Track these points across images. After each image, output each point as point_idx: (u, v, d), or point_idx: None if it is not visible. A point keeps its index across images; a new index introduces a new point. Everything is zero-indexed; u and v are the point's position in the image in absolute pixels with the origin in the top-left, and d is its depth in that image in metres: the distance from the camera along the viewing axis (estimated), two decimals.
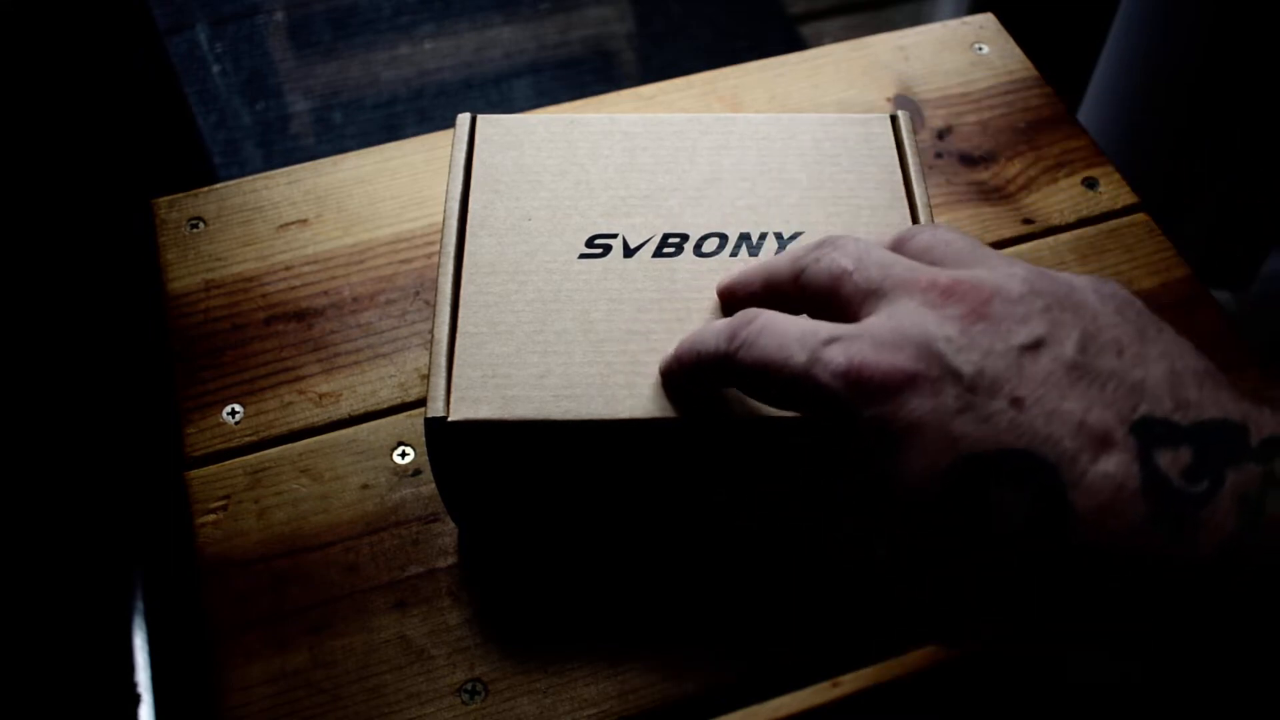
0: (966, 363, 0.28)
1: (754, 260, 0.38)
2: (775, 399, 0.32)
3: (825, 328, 0.30)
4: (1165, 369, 0.28)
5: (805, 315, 0.32)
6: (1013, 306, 0.29)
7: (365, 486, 0.43)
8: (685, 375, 0.35)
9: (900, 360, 0.28)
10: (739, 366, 0.32)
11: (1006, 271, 0.30)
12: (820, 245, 0.33)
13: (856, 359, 0.29)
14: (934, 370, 0.28)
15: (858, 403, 0.28)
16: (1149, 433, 0.27)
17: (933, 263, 0.32)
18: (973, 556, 0.28)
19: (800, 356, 0.30)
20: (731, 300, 0.37)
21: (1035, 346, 0.28)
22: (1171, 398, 0.27)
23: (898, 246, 0.34)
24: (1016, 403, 0.27)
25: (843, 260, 0.32)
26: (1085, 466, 0.26)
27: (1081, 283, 0.30)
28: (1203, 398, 0.27)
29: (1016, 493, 0.27)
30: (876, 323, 0.30)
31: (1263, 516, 0.25)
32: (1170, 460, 0.26)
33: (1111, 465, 0.26)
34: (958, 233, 0.33)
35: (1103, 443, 0.27)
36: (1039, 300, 0.29)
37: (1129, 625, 0.27)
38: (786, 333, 0.31)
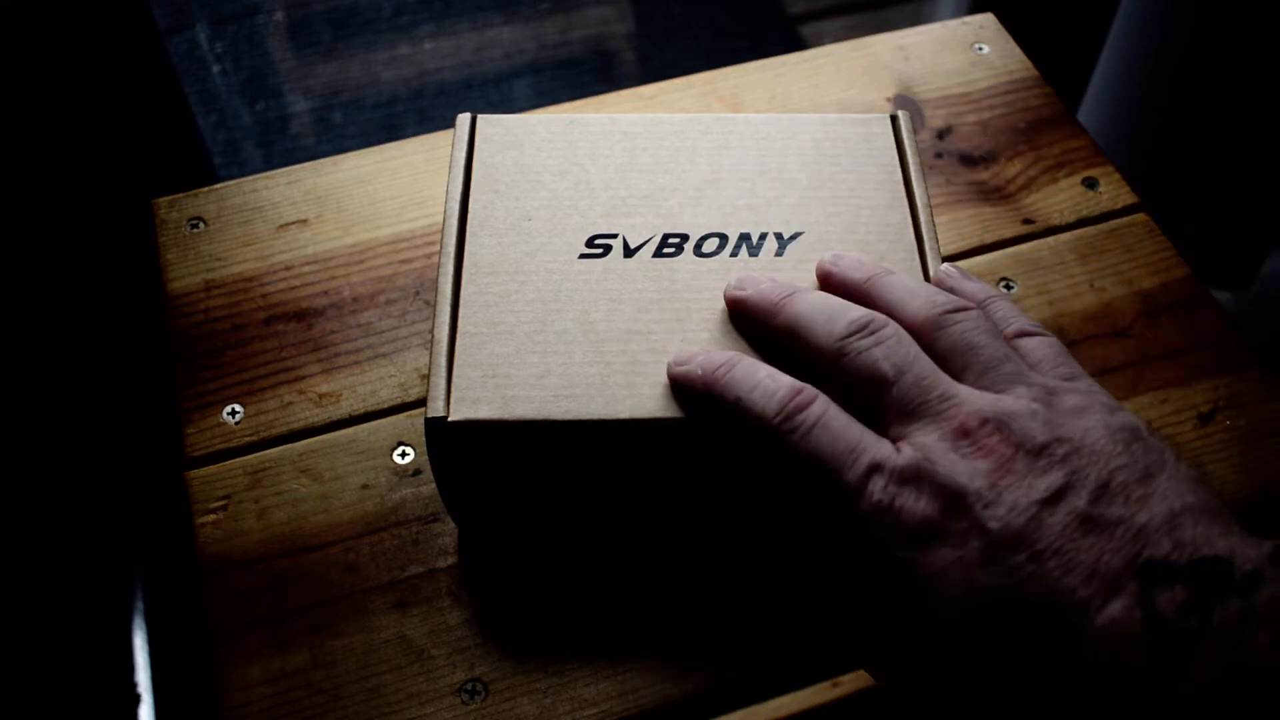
0: (992, 518, 0.31)
1: (768, 282, 0.38)
2: (809, 493, 0.33)
3: (871, 448, 0.32)
4: (1166, 510, 0.30)
5: (840, 402, 0.34)
6: (1034, 460, 0.31)
7: (365, 486, 0.43)
8: (710, 404, 0.35)
9: (934, 511, 0.31)
10: (785, 447, 0.33)
11: (1029, 407, 0.33)
12: (864, 330, 0.34)
13: (898, 502, 0.31)
14: (962, 524, 0.31)
15: (891, 541, 0.31)
16: (1150, 575, 0.29)
17: (959, 370, 0.34)
18: (985, 684, 0.31)
19: (848, 475, 0.32)
20: (741, 313, 0.38)
21: (1054, 500, 0.31)
22: (1170, 539, 0.30)
23: (928, 332, 0.35)
24: (1036, 556, 0.30)
25: (884, 365, 0.34)
26: (1095, 611, 0.29)
27: (1094, 421, 0.32)
28: (1197, 535, 0.30)
29: (1033, 638, 0.30)
30: (910, 460, 0.32)
31: (1245, 646, 0.28)
32: (1168, 598, 0.29)
33: (1118, 609, 0.29)
34: (988, 335, 0.35)
35: (1111, 588, 0.29)
36: (1060, 448, 0.32)
37: None
38: (838, 439, 0.32)
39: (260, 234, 0.51)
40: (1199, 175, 0.94)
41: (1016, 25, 0.60)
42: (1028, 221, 0.52)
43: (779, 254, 0.40)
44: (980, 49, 0.58)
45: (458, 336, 0.38)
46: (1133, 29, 0.93)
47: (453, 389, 0.36)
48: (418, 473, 0.44)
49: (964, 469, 0.31)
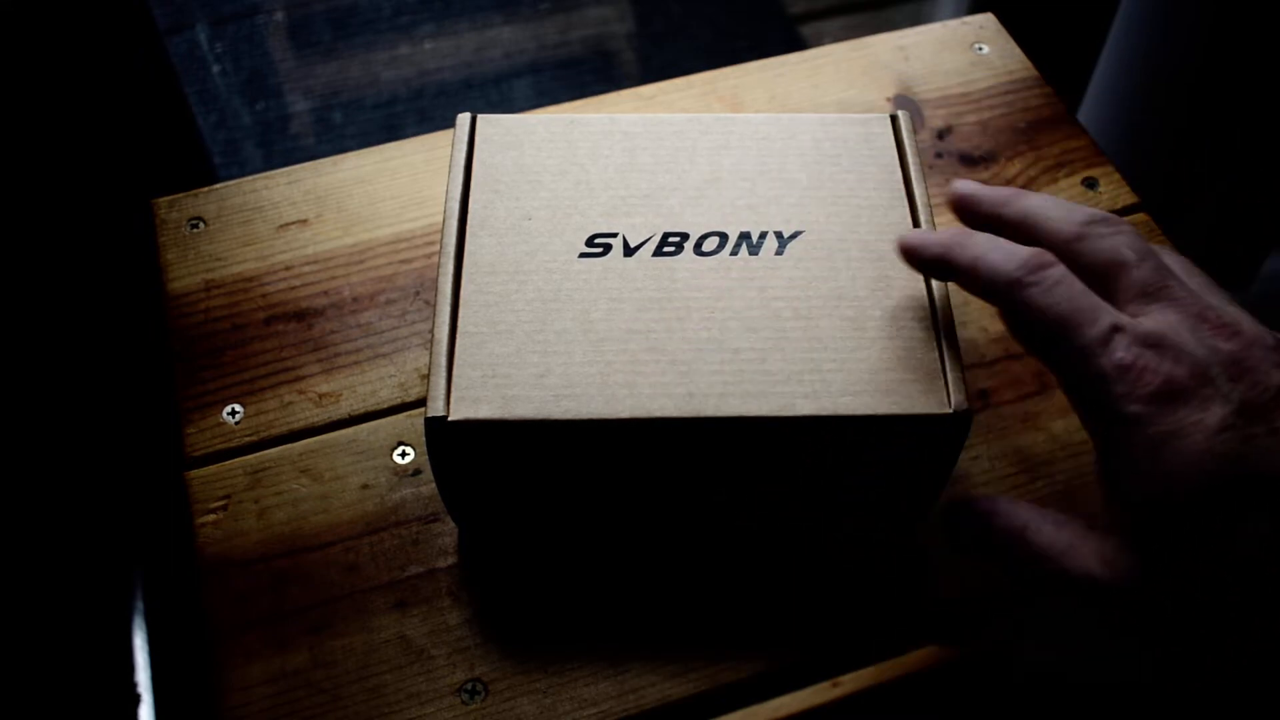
0: (1234, 391, 0.31)
1: (989, 188, 0.39)
2: (1041, 349, 0.34)
3: (1112, 312, 0.33)
4: None
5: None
6: (1270, 354, 0.32)
7: (365, 486, 0.43)
8: (942, 267, 0.36)
9: (1179, 372, 0.32)
10: (1025, 302, 0.34)
11: (1250, 321, 0.34)
12: (1103, 220, 0.36)
13: (1141, 359, 0.32)
14: (1207, 390, 0.31)
15: (1127, 397, 0.32)
16: None
17: (1161, 286, 0.35)
18: (1206, 575, 0.31)
19: (1090, 331, 0.32)
20: (968, 208, 0.38)
21: None
22: None
23: (1139, 260, 0.35)
24: (1274, 433, 0.31)
25: (1125, 250, 0.35)
26: None
27: None
28: None
29: (1267, 513, 0.30)
30: (1154, 328, 0.33)
31: None
32: None
33: None
34: (1197, 273, 0.36)
35: None
36: None
37: None
38: (1081, 298, 0.33)
39: (260, 234, 0.51)
40: (1199, 175, 0.94)
41: (1016, 25, 0.60)
42: None
43: (779, 253, 0.40)
44: (980, 49, 0.58)
45: (458, 336, 0.38)
46: (1133, 29, 0.93)
47: (453, 389, 0.36)
48: (418, 473, 0.44)
49: (1207, 344, 0.32)
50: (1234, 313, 0.34)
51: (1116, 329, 0.32)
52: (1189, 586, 0.31)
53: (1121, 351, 0.32)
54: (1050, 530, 0.34)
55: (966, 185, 0.39)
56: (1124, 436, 0.32)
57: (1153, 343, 0.32)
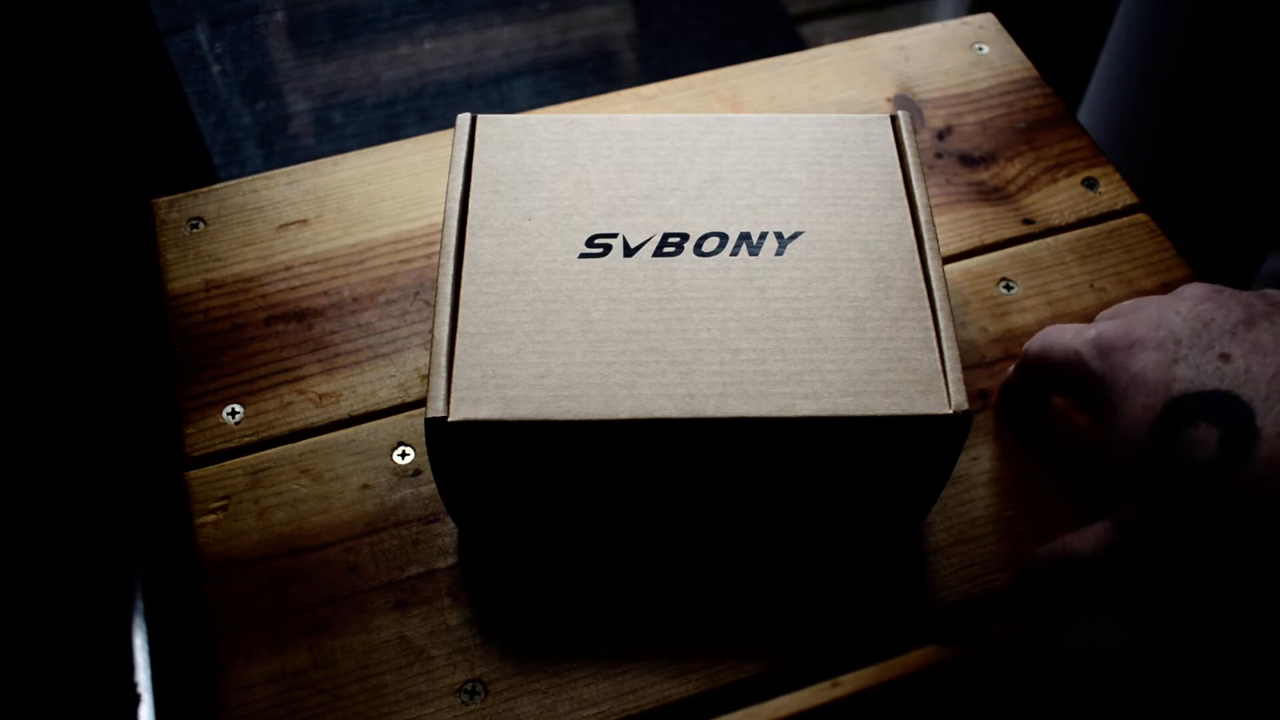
0: (1186, 327, 0.36)
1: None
2: (1049, 375, 0.41)
3: (1091, 325, 0.39)
4: None
5: None
6: (1239, 295, 0.37)
7: (365, 486, 0.43)
8: (1012, 389, 0.45)
9: (1134, 330, 0.37)
10: (1027, 359, 0.42)
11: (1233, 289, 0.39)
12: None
13: (1104, 331, 0.38)
14: (1159, 334, 0.36)
15: (1097, 359, 0.37)
16: None
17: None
18: (1172, 492, 0.34)
19: (1067, 337, 0.39)
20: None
21: (1249, 323, 0.35)
22: None
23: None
24: (1224, 357, 0.35)
25: (1126, 303, 0.40)
26: (1272, 409, 0.33)
27: None
28: None
29: (1216, 426, 0.33)
30: (1131, 316, 0.38)
31: None
32: None
33: None
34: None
35: None
36: (1261, 300, 0.36)
37: None
38: (1063, 329, 0.40)
39: (260, 234, 0.51)
40: (1199, 175, 0.94)
41: (1016, 25, 0.60)
42: (1028, 221, 0.52)
43: (779, 253, 0.40)
44: (980, 49, 0.58)
45: (458, 336, 0.38)
46: (1133, 29, 0.93)
47: (453, 389, 0.36)
48: (418, 473, 0.44)
49: (1169, 300, 0.37)
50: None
51: (1090, 327, 0.39)
52: (1169, 515, 0.34)
53: (1091, 332, 0.38)
54: (1076, 535, 0.38)
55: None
56: (1102, 398, 0.37)
57: (1120, 321, 0.38)
